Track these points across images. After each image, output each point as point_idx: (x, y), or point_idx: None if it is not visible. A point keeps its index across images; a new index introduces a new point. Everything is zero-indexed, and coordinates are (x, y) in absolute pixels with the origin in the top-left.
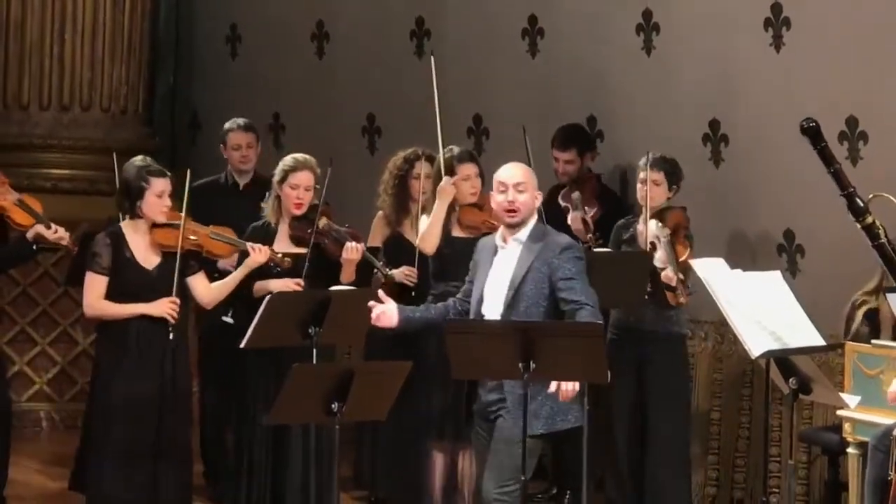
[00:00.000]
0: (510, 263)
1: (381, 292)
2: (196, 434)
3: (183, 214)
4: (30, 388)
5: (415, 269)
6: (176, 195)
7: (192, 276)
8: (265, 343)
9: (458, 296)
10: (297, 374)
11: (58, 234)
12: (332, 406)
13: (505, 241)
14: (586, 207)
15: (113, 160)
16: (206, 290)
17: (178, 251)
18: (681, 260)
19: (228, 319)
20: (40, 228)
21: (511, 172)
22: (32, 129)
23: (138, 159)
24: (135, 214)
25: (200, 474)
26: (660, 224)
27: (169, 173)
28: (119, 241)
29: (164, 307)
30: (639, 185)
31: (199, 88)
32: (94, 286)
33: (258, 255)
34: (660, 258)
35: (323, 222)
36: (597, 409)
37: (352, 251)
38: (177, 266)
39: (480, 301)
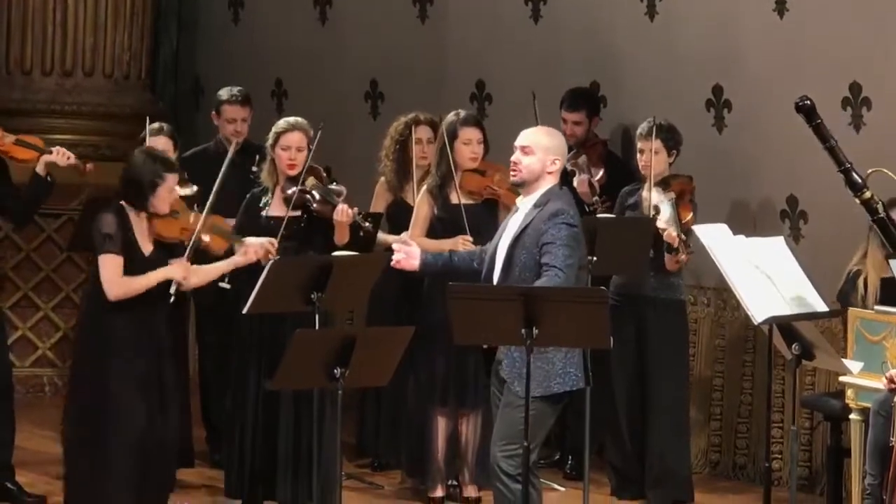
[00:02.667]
0: (514, 227)
1: (405, 235)
2: (197, 400)
3: (205, 212)
4: (32, 354)
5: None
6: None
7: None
8: (267, 309)
9: (487, 246)
10: (299, 340)
11: (65, 155)
12: (335, 372)
13: (521, 201)
14: (592, 170)
15: (144, 126)
16: (192, 273)
17: (193, 232)
18: (683, 221)
19: (225, 285)
20: (47, 158)
21: (522, 135)
22: (35, 95)
23: (146, 151)
24: (144, 209)
25: (203, 439)
26: (662, 190)
27: (177, 165)
28: (125, 222)
29: (182, 271)
30: (638, 155)
31: (202, 54)
32: (113, 266)
33: (246, 257)
34: (663, 219)
35: (310, 182)
36: (597, 376)
37: (342, 214)
38: (193, 236)
39: (493, 261)
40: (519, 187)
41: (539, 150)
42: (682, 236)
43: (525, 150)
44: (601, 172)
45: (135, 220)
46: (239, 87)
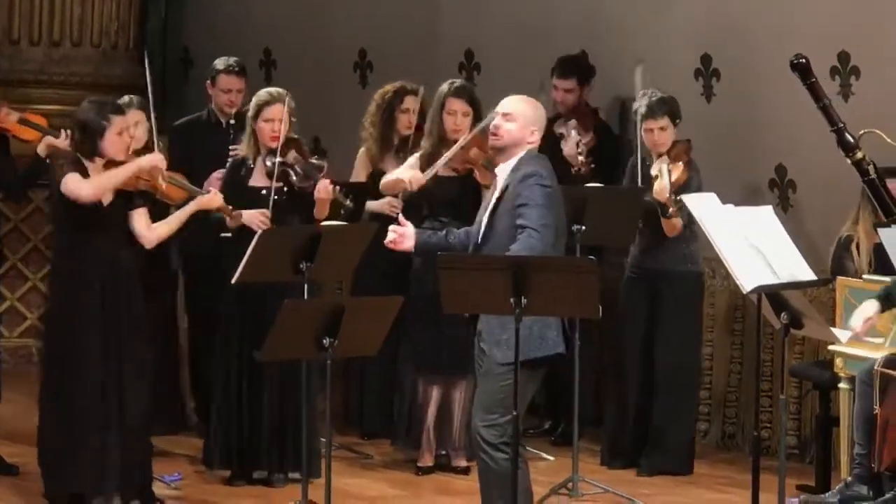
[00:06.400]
0: (494, 195)
1: (401, 216)
2: (186, 371)
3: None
4: (21, 324)
5: (398, 200)
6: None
7: (134, 210)
8: (256, 278)
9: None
10: (289, 311)
11: (65, 141)
12: (324, 342)
13: (498, 169)
14: (582, 133)
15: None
16: (146, 227)
17: (145, 181)
18: (673, 179)
19: (227, 234)
20: (50, 140)
21: (504, 102)
22: (23, 65)
23: (93, 98)
24: (96, 154)
25: (193, 410)
26: (664, 157)
27: (125, 110)
28: (82, 168)
29: (154, 157)
30: (645, 135)
31: (191, 24)
32: (75, 177)
33: (210, 198)
34: (659, 184)
35: (291, 155)
36: (608, 346)
37: (323, 190)
38: (137, 191)
39: (479, 230)
40: (499, 153)
41: (521, 117)
42: (672, 195)
43: (507, 117)
44: (590, 135)
45: (92, 172)
46: (235, 58)
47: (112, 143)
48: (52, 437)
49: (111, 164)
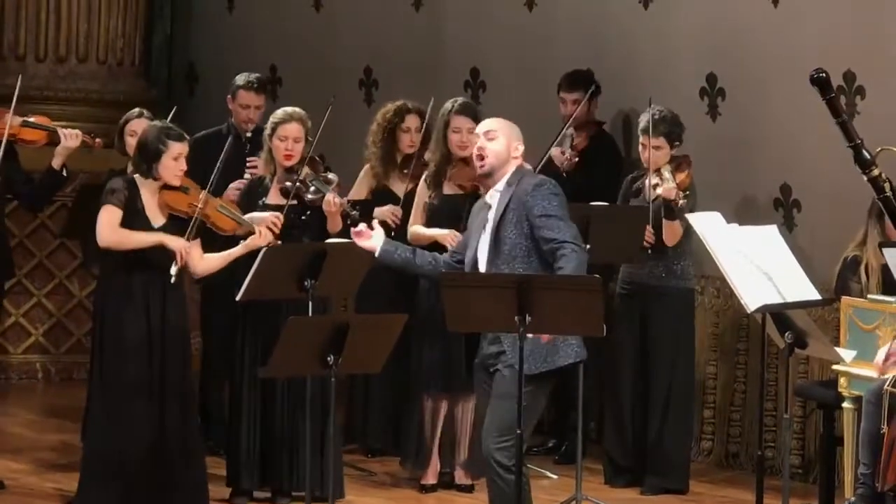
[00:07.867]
0: (493, 213)
1: (375, 221)
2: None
3: (206, 193)
4: (25, 340)
5: (400, 209)
6: None
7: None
8: (261, 296)
9: (447, 253)
10: (293, 327)
11: (73, 136)
12: (328, 359)
13: (488, 194)
14: (574, 134)
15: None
16: (199, 259)
17: (198, 208)
18: (678, 181)
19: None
20: (59, 148)
21: (483, 123)
22: (29, 81)
23: (159, 122)
24: (150, 175)
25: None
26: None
27: (188, 137)
28: (135, 191)
29: (181, 243)
30: (640, 148)
31: (197, 40)
32: (110, 217)
33: (260, 238)
34: (663, 186)
35: (305, 172)
36: (602, 362)
37: (330, 204)
38: (196, 213)
39: (475, 261)
40: (487, 178)
41: (502, 133)
42: (679, 192)
43: (489, 135)
44: (581, 138)
45: (146, 193)
46: (257, 75)
47: (167, 167)
48: (98, 460)
49: (165, 189)
